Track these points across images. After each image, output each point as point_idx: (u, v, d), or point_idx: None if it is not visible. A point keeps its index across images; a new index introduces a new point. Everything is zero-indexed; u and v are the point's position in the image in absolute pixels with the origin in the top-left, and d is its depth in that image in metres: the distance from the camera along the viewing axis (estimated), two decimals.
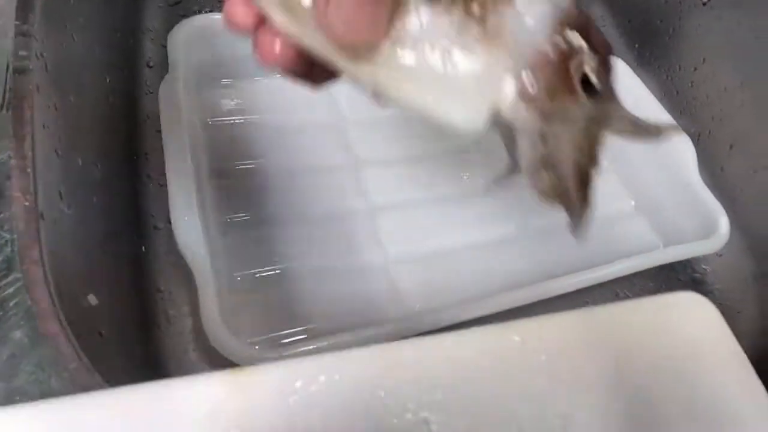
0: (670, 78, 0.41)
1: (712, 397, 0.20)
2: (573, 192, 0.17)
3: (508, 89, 0.16)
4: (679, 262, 0.35)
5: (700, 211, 0.33)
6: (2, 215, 0.20)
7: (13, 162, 0.21)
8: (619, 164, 0.39)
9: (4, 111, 0.22)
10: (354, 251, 0.32)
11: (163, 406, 0.16)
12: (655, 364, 0.21)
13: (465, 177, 0.36)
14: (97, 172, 0.28)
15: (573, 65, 0.16)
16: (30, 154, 0.21)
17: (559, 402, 0.19)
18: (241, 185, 0.33)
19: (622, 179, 0.39)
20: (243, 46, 0.19)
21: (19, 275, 0.19)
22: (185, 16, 0.36)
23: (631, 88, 0.38)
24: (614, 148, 0.34)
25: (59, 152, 0.24)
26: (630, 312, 0.22)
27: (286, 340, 0.28)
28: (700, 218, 0.33)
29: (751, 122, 0.35)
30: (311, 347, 0.25)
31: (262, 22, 0.17)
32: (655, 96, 0.38)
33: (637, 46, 0.44)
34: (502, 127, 0.17)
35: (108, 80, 0.32)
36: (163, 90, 0.32)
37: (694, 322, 0.22)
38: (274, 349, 0.27)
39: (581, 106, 0.16)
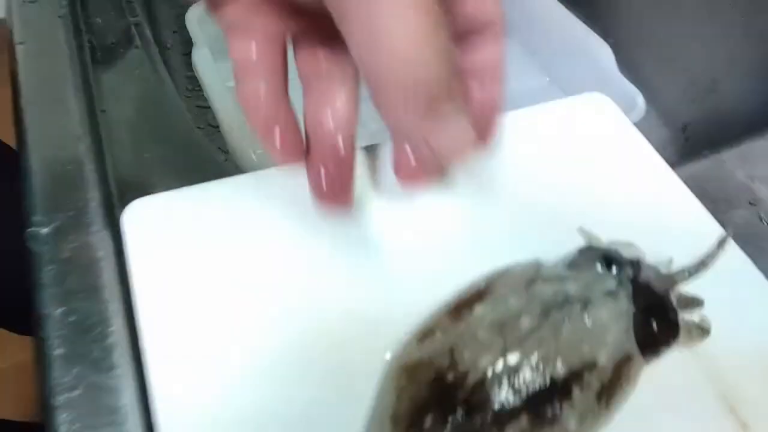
0: None
1: (622, 183, 0.24)
2: None
3: None
4: None
5: (617, 92, 0.32)
6: None
7: None
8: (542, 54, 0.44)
9: None
10: None
11: None
12: (568, 158, 0.24)
13: None
14: None
15: None
16: None
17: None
18: None
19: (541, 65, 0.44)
20: None
21: None
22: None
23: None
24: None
25: None
26: (540, 114, 0.26)
27: None
28: (616, 97, 0.31)
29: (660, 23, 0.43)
30: None
31: None
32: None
33: None
34: None
35: None
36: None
37: (600, 118, 0.26)
38: None
39: None
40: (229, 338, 0.19)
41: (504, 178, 0.24)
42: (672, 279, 0.19)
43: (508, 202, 0.23)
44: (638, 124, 0.27)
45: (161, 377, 0.18)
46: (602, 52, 0.41)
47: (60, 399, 0.18)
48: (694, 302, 0.20)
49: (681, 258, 0.19)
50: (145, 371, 0.18)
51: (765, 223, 0.28)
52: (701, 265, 0.19)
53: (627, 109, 0.30)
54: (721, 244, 0.19)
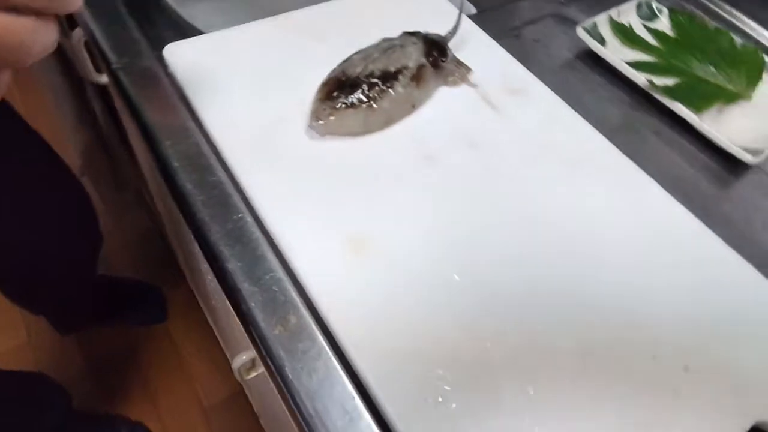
0: None
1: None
2: None
3: None
4: None
5: None
6: None
7: None
8: None
9: None
10: None
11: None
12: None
13: None
14: None
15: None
16: None
17: None
18: None
19: None
20: None
21: None
22: None
23: None
24: None
25: None
26: None
27: None
28: None
29: None
30: None
31: None
32: None
33: None
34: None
35: None
36: None
37: None
38: None
39: None
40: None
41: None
42: (446, 37, 0.41)
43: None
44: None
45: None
46: None
47: None
48: (466, 67, 0.41)
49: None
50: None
51: None
52: (455, 28, 0.41)
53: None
54: (460, 15, 0.41)
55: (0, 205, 0.61)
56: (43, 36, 0.20)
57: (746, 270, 0.35)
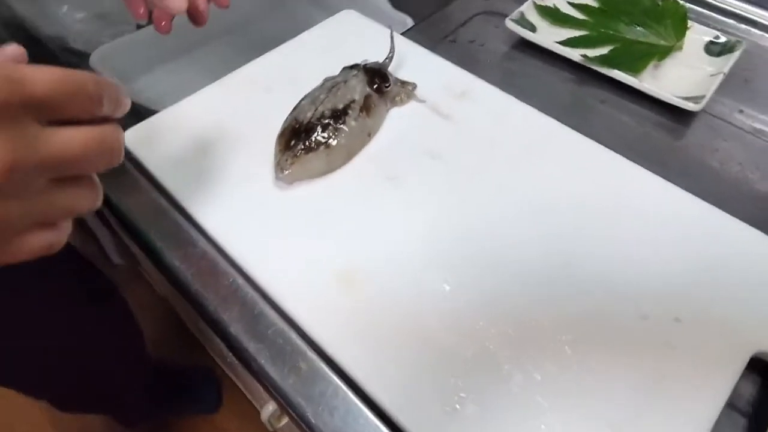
0: None
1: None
2: None
3: None
4: None
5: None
6: None
7: None
8: None
9: None
10: None
11: None
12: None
13: None
14: None
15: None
16: None
17: None
18: None
19: None
20: None
21: None
22: None
23: None
24: None
25: None
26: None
27: None
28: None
29: None
30: None
31: None
32: None
33: None
34: None
35: None
36: None
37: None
38: None
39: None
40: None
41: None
42: (384, 62, 0.43)
43: None
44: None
45: None
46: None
47: None
48: (409, 83, 0.43)
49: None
50: None
51: None
52: (391, 51, 0.43)
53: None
54: (392, 38, 0.43)
55: (51, 318, 0.62)
56: (120, 133, 0.24)
57: (714, 213, 0.37)
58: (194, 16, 0.37)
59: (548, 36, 0.52)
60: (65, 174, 0.23)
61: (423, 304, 0.33)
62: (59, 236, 0.25)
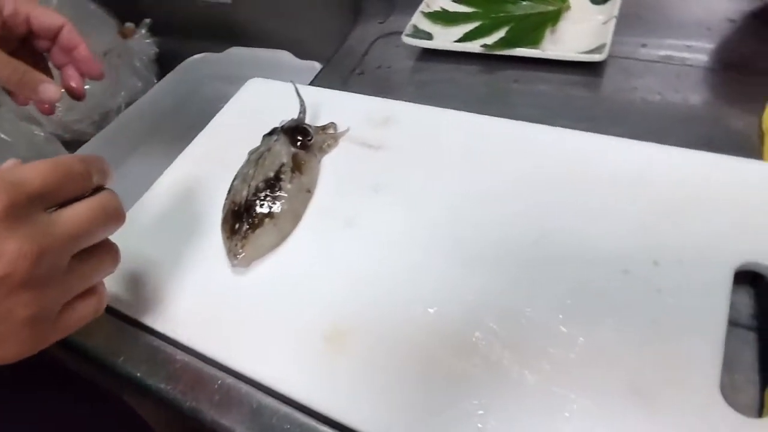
0: None
1: None
2: None
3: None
4: None
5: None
6: None
7: None
8: None
9: None
10: None
11: None
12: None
13: None
14: None
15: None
16: None
17: None
18: None
19: None
20: None
21: None
22: None
23: None
24: None
25: None
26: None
27: None
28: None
29: None
30: None
31: None
32: None
33: None
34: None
35: None
36: None
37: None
38: None
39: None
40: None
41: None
42: (299, 117, 0.43)
43: None
44: None
45: None
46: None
47: None
48: (328, 125, 0.44)
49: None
50: None
51: None
52: (301, 105, 0.43)
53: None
54: (298, 93, 0.43)
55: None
56: (116, 196, 0.28)
57: (660, 150, 0.38)
58: (71, 94, 0.42)
59: (446, 38, 0.53)
60: (83, 246, 0.26)
61: (414, 337, 0.32)
62: (99, 299, 0.28)
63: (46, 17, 0.40)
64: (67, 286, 0.25)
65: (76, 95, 0.41)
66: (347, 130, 0.44)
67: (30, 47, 0.41)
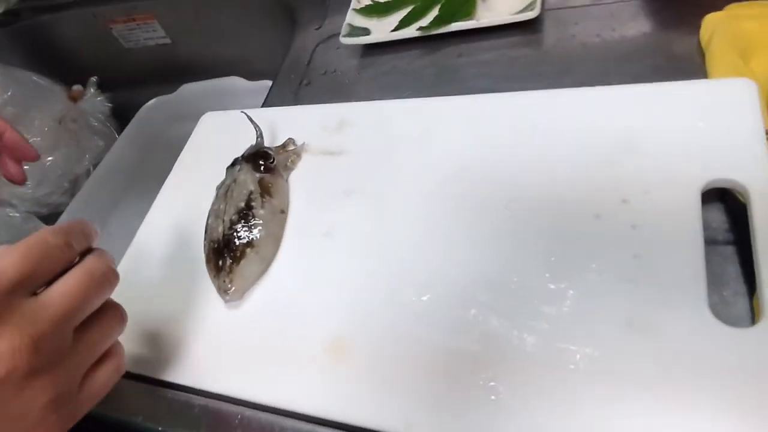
0: None
1: None
2: None
3: None
4: None
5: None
6: None
7: None
8: None
9: None
10: None
11: None
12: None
13: None
14: None
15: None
16: None
17: None
18: None
19: None
20: None
21: None
22: None
23: None
24: None
25: None
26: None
27: None
28: None
29: None
30: None
31: None
32: None
33: None
34: None
35: None
36: None
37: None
38: None
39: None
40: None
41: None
42: (258, 142, 0.43)
43: None
44: None
45: None
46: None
47: None
48: (286, 142, 0.44)
49: None
50: None
51: None
52: (257, 129, 0.43)
53: None
54: (251, 120, 0.44)
55: None
56: (104, 256, 0.27)
57: (601, 92, 0.39)
58: (12, 181, 0.40)
59: (383, 30, 0.54)
60: (81, 318, 0.25)
61: (414, 327, 0.33)
62: (118, 360, 0.28)
63: None
64: (79, 359, 0.25)
65: (16, 182, 0.40)
66: (303, 144, 0.45)
67: None
